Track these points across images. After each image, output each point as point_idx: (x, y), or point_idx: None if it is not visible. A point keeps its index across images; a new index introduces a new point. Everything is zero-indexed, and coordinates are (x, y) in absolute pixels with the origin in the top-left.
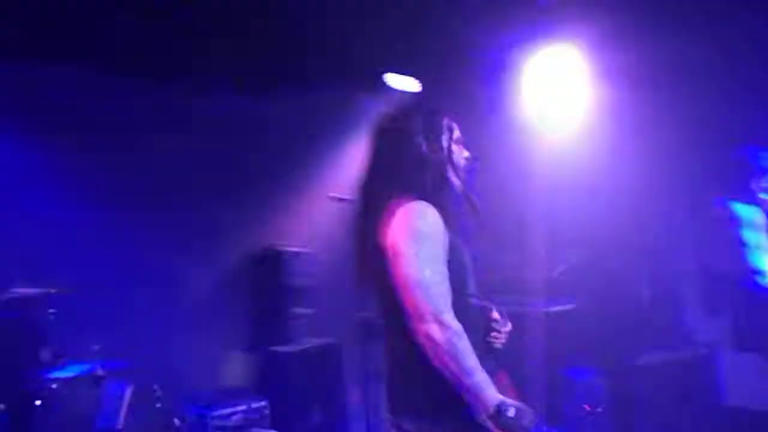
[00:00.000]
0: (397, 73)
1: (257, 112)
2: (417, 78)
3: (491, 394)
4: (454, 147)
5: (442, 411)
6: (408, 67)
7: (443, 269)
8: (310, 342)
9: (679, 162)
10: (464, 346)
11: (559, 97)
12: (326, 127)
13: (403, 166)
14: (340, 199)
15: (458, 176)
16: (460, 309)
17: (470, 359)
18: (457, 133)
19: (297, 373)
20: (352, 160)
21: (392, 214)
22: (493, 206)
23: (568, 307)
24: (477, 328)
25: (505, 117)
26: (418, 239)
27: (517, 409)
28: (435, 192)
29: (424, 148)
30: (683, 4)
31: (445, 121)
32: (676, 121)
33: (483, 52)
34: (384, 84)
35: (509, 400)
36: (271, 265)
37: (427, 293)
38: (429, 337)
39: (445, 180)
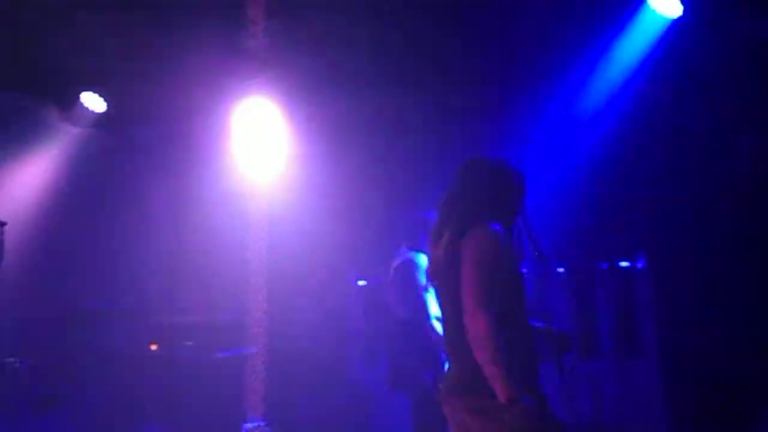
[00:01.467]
0: (91, 91)
1: None
2: (106, 100)
3: (508, 386)
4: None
5: (482, 392)
6: (101, 87)
7: (500, 280)
8: None
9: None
10: (497, 341)
11: (262, 145)
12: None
13: (492, 194)
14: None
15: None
16: (514, 318)
17: (500, 353)
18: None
19: None
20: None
21: (476, 229)
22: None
23: (241, 353)
24: (526, 336)
25: (214, 159)
26: (488, 252)
27: (524, 410)
28: (510, 219)
29: (510, 184)
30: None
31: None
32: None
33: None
34: (77, 100)
35: (522, 399)
36: None
37: (482, 293)
38: (474, 326)
39: (518, 212)
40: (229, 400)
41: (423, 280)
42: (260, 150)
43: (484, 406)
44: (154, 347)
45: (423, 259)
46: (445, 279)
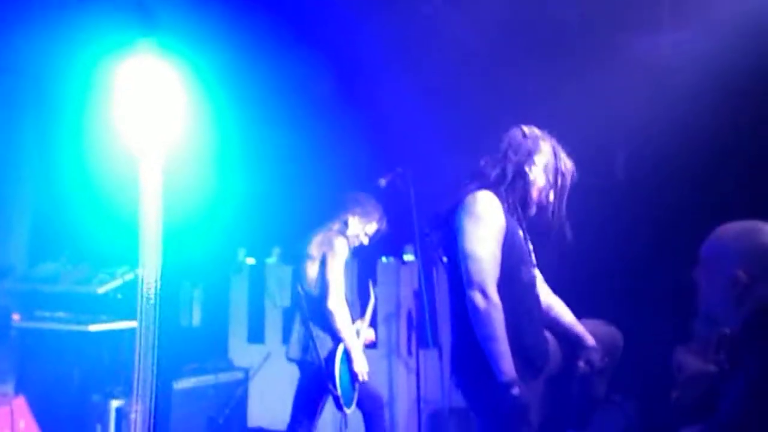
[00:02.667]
0: None
1: None
2: None
3: (506, 366)
4: (534, 168)
5: (480, 370)
6: None
7: (494, 249)
8: None
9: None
10: (497, 318)
11: (153, 112)
12: None
13: (482, 165)
14: None
15: (542, 192)
16: (507, 284)
17: (498, 330)
18: (544, 160)
19: None
20: None
21: (463, 200)
22: None
23: (118, 325)
24: (523, 301)
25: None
26: (476, 220)
27: (521, 393)
28: (504, 187)
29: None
30: None
31: (530, 145)
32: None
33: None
34: None
35: (517, 382)
36: None
37: (478, 267)
38: (471, 303)
39: (520, 181)
40: (101, 377)
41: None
42: (152, 116)
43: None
44: (16, 317)
45: (340, 242)
46: None
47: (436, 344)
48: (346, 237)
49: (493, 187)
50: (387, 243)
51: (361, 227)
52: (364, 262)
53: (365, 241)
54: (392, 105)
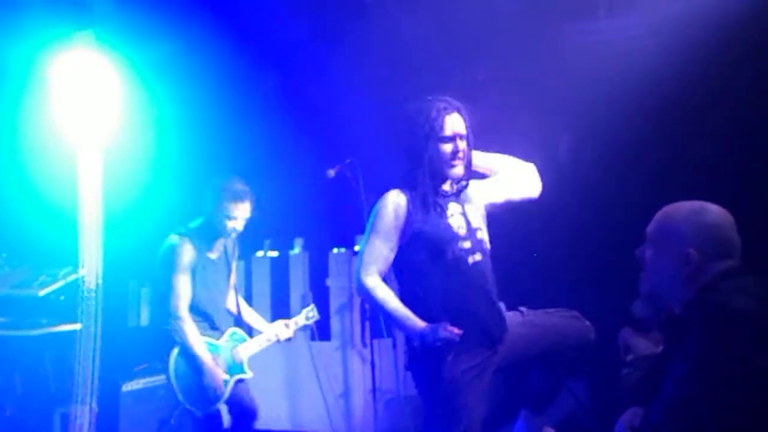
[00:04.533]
0: None
1: None
2: None
3: (412, 324)
4: (439, 152)
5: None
6: None
7: (385, 240)
8: None
9: None
10: (383, 296)
11: (90, 101)
12: None
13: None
14: None
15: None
16: (433, 263)
17: (390, 303)
18: (451, 126)
19: None
20: None
21: None
22: None
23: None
24: (456, 275)
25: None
26: (373, 216)
27: (433, 329)
28: (409, 178)
29: (409, 141)
30: None
31: (426, 118)
32: None
33: None
34: None
35: (428, 326)
36: None
37: (361, 257)
38: (361, 289)
39: (430, 170)
40: (44, 383)
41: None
42: (89, 110)
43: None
44: None
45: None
46: None
47: (390, 334)
48: (190, 240)
49: (402, 181)
50: (338, 233)
51: (235, 211)
52: (315, 253)
53: (240, 225)
54: (338, 96)
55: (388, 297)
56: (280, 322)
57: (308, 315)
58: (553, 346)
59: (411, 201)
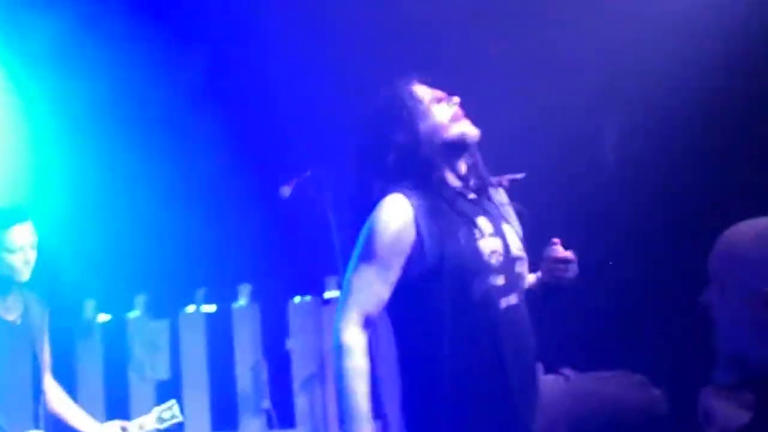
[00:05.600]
0: None
1: None
2: None
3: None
4: (431, 120)
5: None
6: None
7: (381, 271)
8: None
9: None
10: (352, 367)
11: None
12: None
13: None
14: None
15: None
16: (449, 307)
17: (351, 384)
18: (429, 97)
19: None
20: None
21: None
22: None
23: None
24: (480, 327)
25: None
26: (364, 235)
27: None
28: (414, 183)
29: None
30: None
31: (405, 96)
32: None
33: None
34: None
35: None
36: None
37: (344, 295)
38: (335, 346)
39: (428, 167)
40: None
41: None
42: None
43: None
44: None
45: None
46: None
47: (379, 414)
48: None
49: (396, 179)
50: (301, 276)
51: (10, 239)
52: (269, 304)
53: (29, 259)
54: (290, 82)
55: (355, 372)
56: (115, 425)
57: (162, 415)
58: (607, 426)
59: (420, 210)
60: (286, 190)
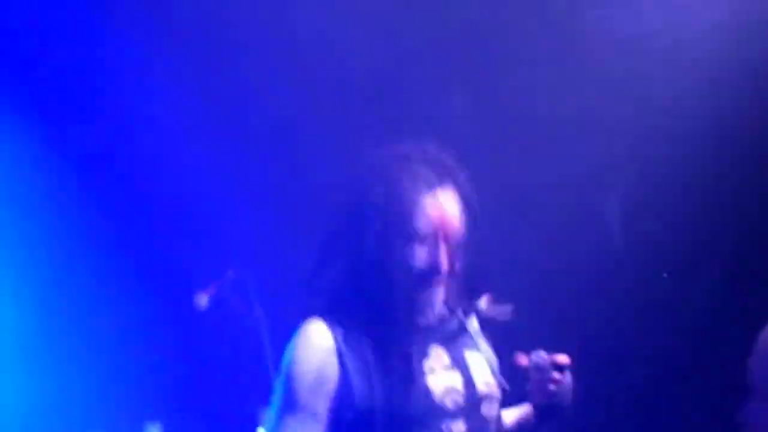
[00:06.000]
0: None
1: None
2: None
3: None
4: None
5: None
6: None
7: (305, 420)
8: None
9: None
10: None
11: None
12: None
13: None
14: None
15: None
16: None
17: None
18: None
19: None
20: None
21: None
22: None
23: None
24: None
25: None
26: (283, 373)
27: None
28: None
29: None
30: None
31: (386, 195)
32: None
33: None
34: None
35: None
36: None
37: None
38: None
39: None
40: None
41: None
42: None
43: None
44: None
45: None
46: None
47: None
48: None
49: (330, 301)
50: (228, 412)
51: None
52: None
53: None
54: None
55: None
56: None
57: None
58: None
59: (347, 342)
60: (203, 298)
